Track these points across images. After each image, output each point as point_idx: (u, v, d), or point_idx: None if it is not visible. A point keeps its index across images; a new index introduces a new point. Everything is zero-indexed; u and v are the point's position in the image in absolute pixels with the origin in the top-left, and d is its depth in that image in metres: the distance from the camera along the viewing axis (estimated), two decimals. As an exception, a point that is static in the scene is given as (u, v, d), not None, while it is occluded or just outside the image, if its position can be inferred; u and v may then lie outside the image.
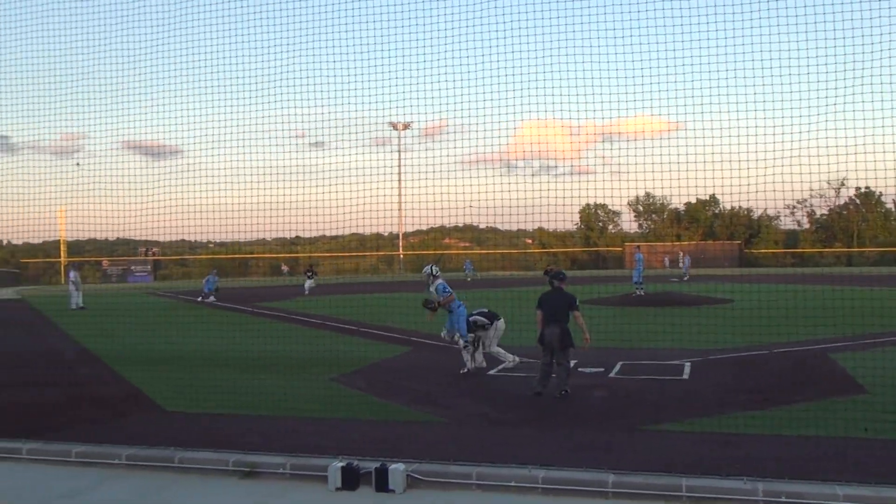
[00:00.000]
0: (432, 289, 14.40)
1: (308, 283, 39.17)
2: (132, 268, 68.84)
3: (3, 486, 8.30)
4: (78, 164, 14.11)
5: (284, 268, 66.83)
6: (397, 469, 7.67)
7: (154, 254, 70.90)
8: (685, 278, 45.00)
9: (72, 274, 32.98)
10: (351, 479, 7.75)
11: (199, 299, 35.00)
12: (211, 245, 74.95)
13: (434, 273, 14.51)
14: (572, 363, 13.79)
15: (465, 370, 13.77)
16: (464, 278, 50.64)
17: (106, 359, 16.41)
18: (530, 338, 13.21)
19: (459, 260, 73.07)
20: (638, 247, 38.65)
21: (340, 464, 7.86)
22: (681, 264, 48.29)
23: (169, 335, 16.05)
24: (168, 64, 13.08)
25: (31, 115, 13.98)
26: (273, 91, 12.28)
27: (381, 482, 7.65)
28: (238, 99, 13.00)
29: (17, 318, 29.62)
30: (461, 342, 13.93)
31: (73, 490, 8.05)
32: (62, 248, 66.08)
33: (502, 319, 14.58)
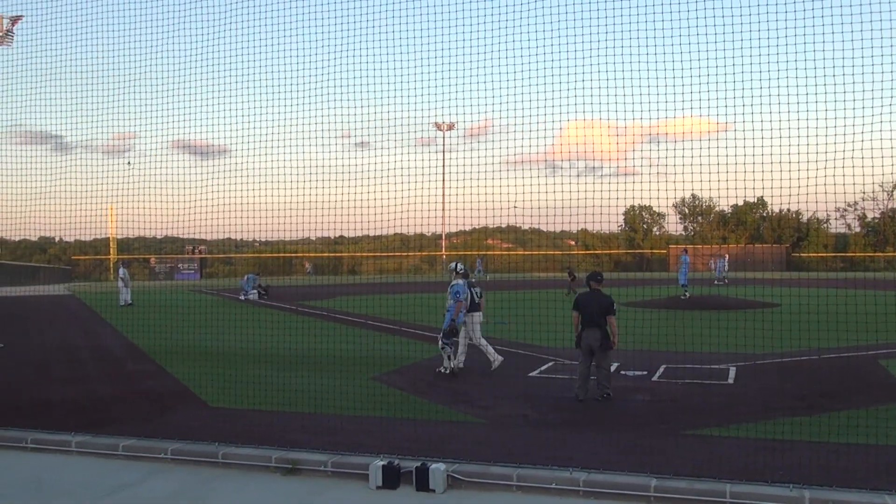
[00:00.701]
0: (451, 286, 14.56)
1: (252, 294, 37.07)
2: (179, 265, 69.98)
3: (54, 479, 8.50)
4: (129, 163, 14.38)
5: (307, 265, 67.42)
6: (438, 469, 7.68)
7: (200, 252, 71.98)
8: (725, 281, 44.28)
9: (121, 271, 33.60)
10: (392, 478, 7.78)
11: (242, 298, 35.48)
12: (256, 244, 75.93)
13: (458, 270, 14.62)
14: (615, 366, 13.69)
15: (442, 369, 14.06)
16: (479, 278, 50.21)
17: (152, 354, 16.72)
18: (565, 339, 13.14)
19: (502, 260, 72.92)
20: (685, 250, 38.13)
21: (381, 462, 7.90)
22: (725, 267, 47.45)
23: (213, 332, 16.24)
24: (217, 65, 13.29)
25: (85, 115, 14.29)
26: (319, 92, 12.38)
27: (422, 482, 7.67)
28: (285, 99, 13.12)
29: (68, 313, 30.31)
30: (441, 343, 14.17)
31: (122, 484, 8.21)
32: (112, 245, 67.45)
33: (481, 314, 14.77)
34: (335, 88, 12.38)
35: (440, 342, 14.14)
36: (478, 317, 14.71)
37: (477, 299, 14.70)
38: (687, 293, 31.16)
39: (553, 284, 35.76)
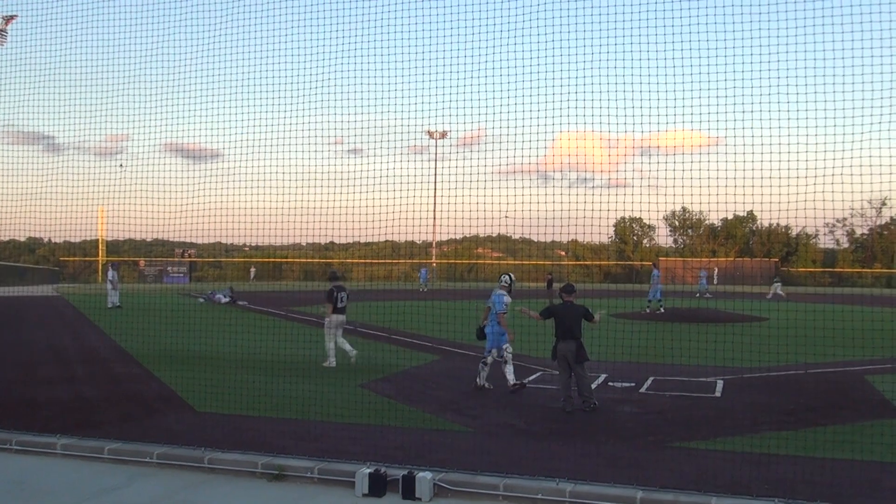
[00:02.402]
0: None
1: (220, 296, 37.36)
2: (168, 269, 69.72)
3: (38, 481, 8.45)
4: (122, 165, 14.37)
5: (252, 271, 67.30)
6: (424, 477, 7.67)
7: (190, 255, 71.76)
8: (707, 295, 44.47)
9: (110, 273, 33.44)
10: (378, 486, 7.77)
11: (227, 301, 35.73)
12: (246, 248, 75.80)
13: (504, 282, 13.90)
14: (602, 377, 13.72)
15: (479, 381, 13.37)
16: (418, 288, 49.33)
17: (139, 357, 16.64)
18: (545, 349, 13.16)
19: (492, 270, 72.94)
20: (654, 264, 38.19)
21: (368, 470, 7.88)
22: (714, 280, 47.52)
23: (201, 336, 16.20)
24: (211, 69, 13.27)
25: (78, 116, 14.26)
26: (313, 98, 12.40)
27: (408, 490, 7.65)
28: (278, 105, 13.13)
29: (56, 315, 30.15)
30: (506, 355, 13.34)
31: (107, 487, 8.16)
32: (100, 247, 67.18)
33: (337, 317, 15.82)
34: (329, 94, 12.43)
35: (506, 355, 13.37)
36: (339, 319, 15.86)
37: (339, 304, 15.83)
38: (662, 308, 30.98)
39: (544, 294, 35.75)
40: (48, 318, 28.42)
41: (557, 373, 12.11)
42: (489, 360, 13.42)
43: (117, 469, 8.75)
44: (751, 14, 10.32)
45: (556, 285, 32.75)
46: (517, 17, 11.54)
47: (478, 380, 13.42)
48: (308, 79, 12.34)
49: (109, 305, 31.56)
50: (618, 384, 13.53)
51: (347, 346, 15.71)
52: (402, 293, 41.08)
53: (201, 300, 37.02)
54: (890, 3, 9.52)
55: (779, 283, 47.21)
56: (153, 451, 8.93)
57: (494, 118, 12.01)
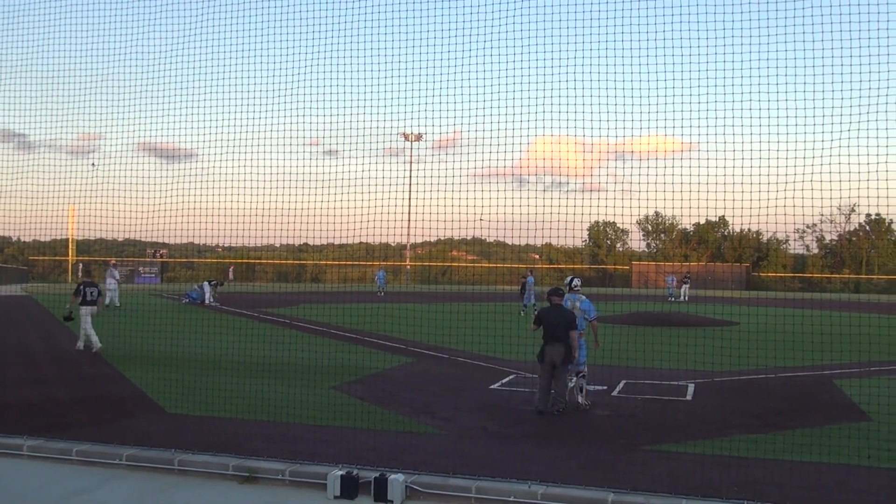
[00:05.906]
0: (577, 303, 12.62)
1: (208, 293, 36.32)
2: (139, 269, 68.91)
3: (5, 484, 8.31)
4: (94, 164, 14.18)
5: (230, 274, 66.77)
6: (396, 480, 7.67)
7: (162, 256, 71.02)
8: (681, 299, 45.03)
9: (116, 273, 33.02)
10: (350, 488, 7.75)
11: (205, 303, 35.24)
12: (219, 249, 75.10)
13: (573, 285, 13.02)
14: (574, 380, 13.76)
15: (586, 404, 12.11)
16: (376, 291, 47.02)
17: (110, 359, 16.45)
18: (527, 352, 13.20)
19: (465, 273, 73.03)
20: (530, 271, 38.33)
21: (340, 472, 7.87)
22: (683, 286, 47.84)
23: (173, 338, 16.04)
24: (187, 68, 13.17)
25: (50, 114, 14.09)
26: (289, 99, 12.34)
27: (380, 492, 7.64)
28: (255, 106, 13.07)
29: (24, 314, 29.71)
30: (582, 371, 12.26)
31: (76, 489, 8.06)
32: (71, 246, 66.29)
33: (94, 307, 17.72)
34: (306, 96, 12.37)
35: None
36: (89, 310, 17.60)
37: (89, 297, 17.56)
38: (522, 313, 30.94)
39: (517, 298, 35.85)
40: (16, 317, 28.00)
41: (537, 375, 12.08)
42: (584, 370, 12.24)
43: (86, 471, 8.64)
44: (724, 23, 10.44)
45: (537, 289, 32.70)
46: (494, 22, 11.57)
47: (578, 399, 12.13)
48: (285, 80, 12.30)
49: (118, 304, 31.16)
50: (591, 387, 13.58)
51: (94, 338, 17.43)
52: (376, 295, 41.02)
53: (185, 301, 36.41)
54: (860, 14, 9.68)
55: (687, 285, 47.74)
56: (122, 452, 8.83)
57: (471, 122, 12.04)
